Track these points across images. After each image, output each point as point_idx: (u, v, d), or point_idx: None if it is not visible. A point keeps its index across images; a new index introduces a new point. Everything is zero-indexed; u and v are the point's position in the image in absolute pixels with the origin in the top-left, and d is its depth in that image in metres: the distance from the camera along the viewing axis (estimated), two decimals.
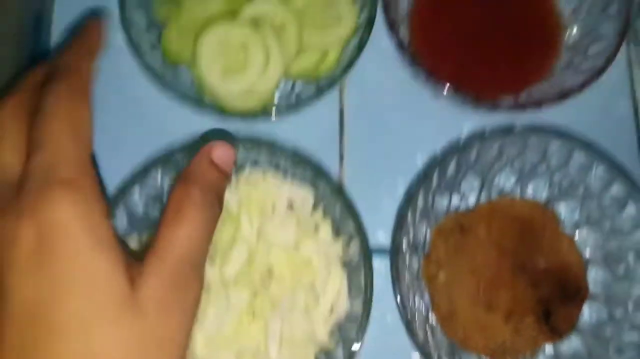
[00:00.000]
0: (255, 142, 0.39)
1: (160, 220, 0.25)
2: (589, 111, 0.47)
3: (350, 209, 0.38)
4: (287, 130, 0.44)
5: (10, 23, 0.39)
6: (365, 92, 0.46)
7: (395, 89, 0.46)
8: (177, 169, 0.38)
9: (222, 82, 0.39)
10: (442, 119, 0.46)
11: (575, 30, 0.47)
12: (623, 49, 0.48)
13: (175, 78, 0.41)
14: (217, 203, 0.27)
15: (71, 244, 0.22)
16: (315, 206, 0.41)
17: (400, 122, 0.46)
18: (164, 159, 0.38)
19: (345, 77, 0.41)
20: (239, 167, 0.41)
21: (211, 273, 0.37)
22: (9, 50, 0.38)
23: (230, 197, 0.39)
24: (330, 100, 0.45)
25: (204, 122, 0.42)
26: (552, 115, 0.44)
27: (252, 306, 0.38)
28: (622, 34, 0.42)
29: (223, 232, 0.38)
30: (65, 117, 0.24)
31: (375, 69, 0.46)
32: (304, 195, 0.40)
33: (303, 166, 0.39)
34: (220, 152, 0.28)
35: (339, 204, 0.39)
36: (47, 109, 0.24)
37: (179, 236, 0.24)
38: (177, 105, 0.39)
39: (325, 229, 0.40)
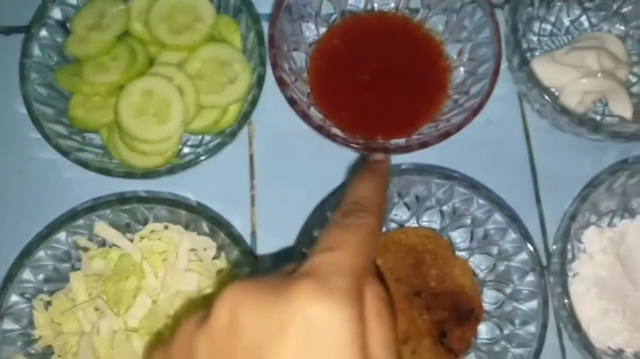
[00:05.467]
0: (155, 200, 0.42)
1: None
2: (485, 147, 0.51)
3: (247, 256, 0.42)
4: (199, 180, 0.48)
5: None
6: (272, 139, 0.50)
7: (299, 136, 0.50)
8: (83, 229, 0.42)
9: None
10: (339, 162, 0.50)
11: (461, 72, 0.50)
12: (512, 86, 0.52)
13: (84, 143, 0.44)
14: None
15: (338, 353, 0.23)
16: (217, 254, 0.44)
17: (304, 165, 0.50)
18: (69, 221, 0.41)
19: (253, 128, 0.45)
20: (141, 222, 0.44)
21: (115, 322, 0.40)
22: None
23: (133, 250, 0.42)
24: (241, 150, 0.49)
25: (114, 183, 0.45)
26: (447, 151, 0.47)
27: None
28: (496, 73, 0.46)
29: (127, 283, 0.41)
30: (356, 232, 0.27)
31: (280, 119, 0.49)
32: (205, 244, 0.43)
33: (200, 218, 0.42)
34: None
35: (236, 251, 0.42)
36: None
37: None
38: (82, 170, 0.43)
39: None
